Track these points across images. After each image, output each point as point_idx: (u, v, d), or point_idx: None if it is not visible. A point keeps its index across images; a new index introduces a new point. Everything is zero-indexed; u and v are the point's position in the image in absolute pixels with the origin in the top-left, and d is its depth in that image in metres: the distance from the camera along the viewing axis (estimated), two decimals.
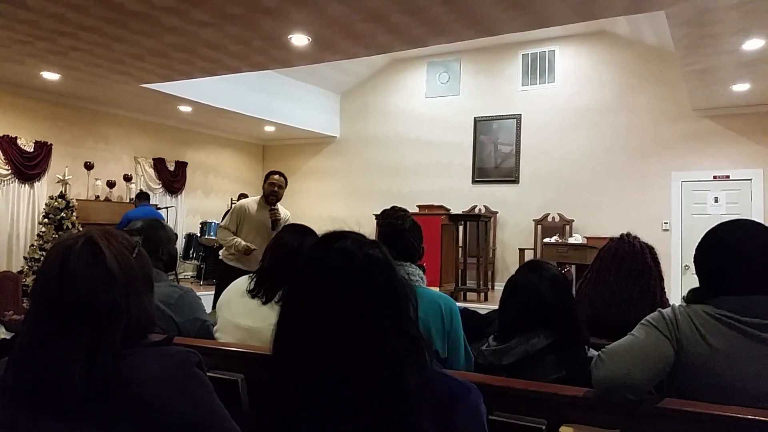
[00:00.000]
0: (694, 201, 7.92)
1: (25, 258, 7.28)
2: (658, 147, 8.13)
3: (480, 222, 7.67)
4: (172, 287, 2.27)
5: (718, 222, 1.59)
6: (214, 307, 2.42)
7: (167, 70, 6.54)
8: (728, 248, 1.51)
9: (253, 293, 2.14)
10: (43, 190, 7.86)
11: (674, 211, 8.01)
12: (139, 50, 5.79)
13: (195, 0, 4.51)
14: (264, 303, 2.09)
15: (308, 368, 0.97)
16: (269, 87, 9.08)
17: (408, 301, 1.03)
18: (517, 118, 9.09)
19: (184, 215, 9.86)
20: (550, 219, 8.69)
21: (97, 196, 8.47)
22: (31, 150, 7.73)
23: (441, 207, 7.84)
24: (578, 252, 6.58)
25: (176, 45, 5.61)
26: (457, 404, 1.00)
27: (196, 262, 9.31)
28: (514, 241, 8.85)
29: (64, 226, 7.18)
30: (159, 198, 9.38)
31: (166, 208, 9.07)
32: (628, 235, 2.23)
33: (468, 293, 7.43)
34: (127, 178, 8.86)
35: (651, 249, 2.19)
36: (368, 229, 7.49)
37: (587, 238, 7.24)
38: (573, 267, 6.59)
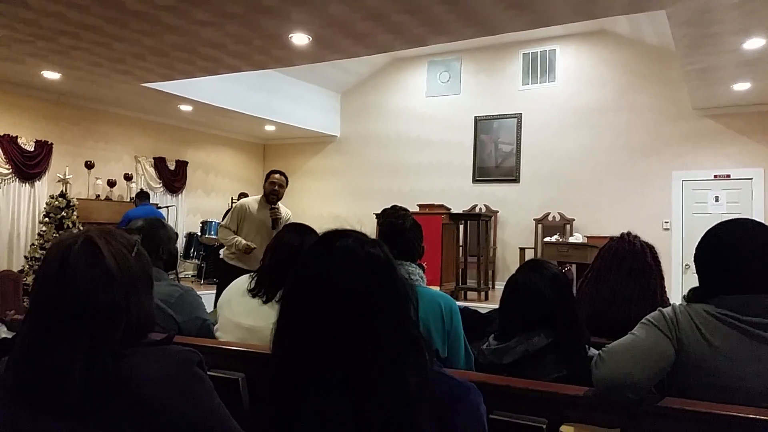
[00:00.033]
0: (694, 200, 7.92)
1: (25, 257, 7.28)
2: (658, 146, 8.13)
3: (480, 221, 7.67)
4: (173, 286, 2.27)
5: (719, 221, 1.59)
6: (215, 306, 2.42)
7: (168, 69, 6.54)
8: (728, 247, 1.51)
9: (253, 292, 2.14)
10: (44, 189, 7.86)
11: (675, 211, 8.01)
12: (139, 49, 5.79)
13: None
14: (265, 302, 2.09)
15: (308, 368, 0.96)
16: (270, 86, 9.08)
17: (409, 301, 1.03)
18: (518, 117, 9.09)
19: (184, 214, 9.86)
20: (550, 218, 8.69)
21: (98, 196, 8.47)
22: (32, 149, 7.73)
23: (441, 206, 7.83)
24: (579, 251, 6.58)
25: (177, 44, 5.61)
26: (457, 404, 1.00)
27: (196, 261, 9.31)
28: (514, 241, 8.85)
29: (65, 226, 7.18)
30: (159, 197, 9.38)
31: (167, 207, 9.07)
32: (629, 234, 2.23)
33: (468, 292, 7.42)
34: (128, 178, 8.86)
35: (651, 248, 2.19)
36: (369, 228, 7.49)
37: (588, 237, 7.24)
38: (573, 266, 6.59)
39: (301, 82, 9.79)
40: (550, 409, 1.46)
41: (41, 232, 7.26)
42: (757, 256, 1.47)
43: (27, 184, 7.77)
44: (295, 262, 1.08)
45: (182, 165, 9.83)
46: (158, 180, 9.41)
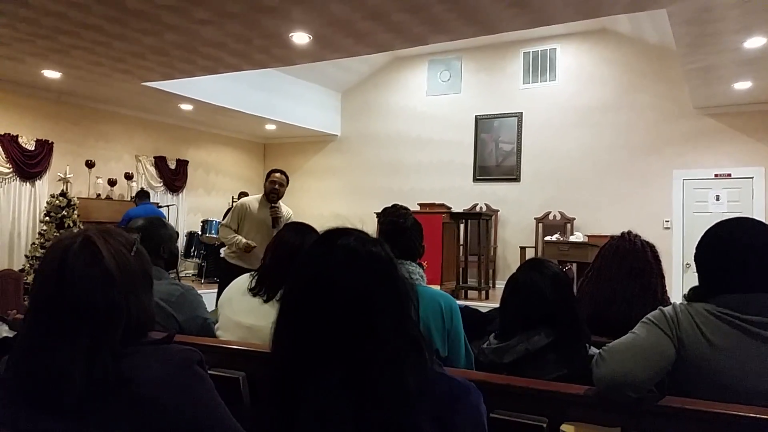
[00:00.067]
0: (695, 199, 7.91)
1: (26, 256, 7.28)
2: (659, 145, 8.12)
3: (481, 220, 7.66)
4: (174, 285, 2.27)
5: (719, 220, 1.59)
6: (216, 305, 2.43)
7: (168, 68, 6.54)
8: (729, 246, 1.51)
9: (254, 291, 2.14)
10: (45, 188, 7.87)
11: (675, 210, 8.00)
12: (139, 48, 5.79)
13: None
14: (265, 301, 2.09)
15: (308, 367, 0.96)
16: (270, 85, 9.08)
17: (409, 301, 1.02)
18: (519, 116, 9.08)
19: (185, 213, 9.86)
20: (551, 217, 8.69)
21: (99, 195, 8.48)
22: (33, 148, 7.73)
23: (442, 205, 7.83)
24: (579, 250, 6.58)
25: (177, 43, 5.61)
26: (457, 404, 0.99)
27: (197, 260, 9.31)
28: (515, 240, 8.84)
29: (66, 225, 7.18)
30: (160, 196, 9.38)
31: (167, 206, 9.08)
32: (629, 233, 2.23)
33: (469, 291, 7.42)
34: (129, 177, 8.86)
35: (652, 247, 2.19)
36: (370, 227, 7.48)
37: (588, 236, 7.23)
38: (574, 265, 6.58)
39: (302, 81, 9.79)
40: (550, 408, 1.46)
41: (42, 231, 7.26)
42: (758, 255, 1.47)
43: (28, 183, 7.77)
44: (295, 261, 1.07)
45: (183, 164, 9.83)
46: (159, 179, 9.41)
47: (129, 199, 8.64)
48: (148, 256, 1.18)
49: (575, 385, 1.50)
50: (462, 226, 7.60)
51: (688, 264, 7.56)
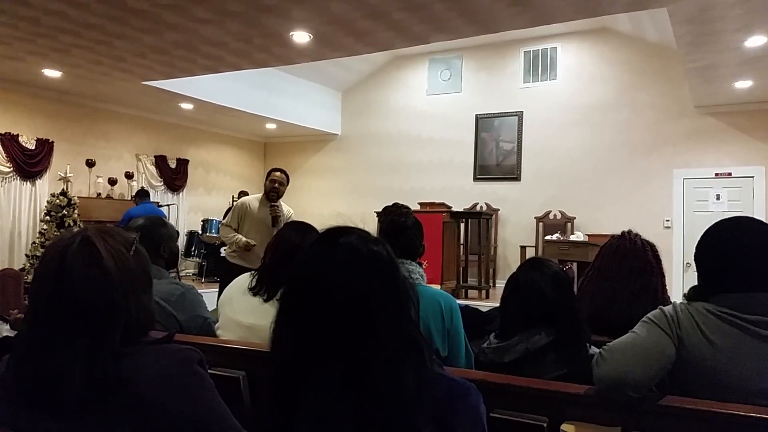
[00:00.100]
0: (695, 198, 7.91)
1: (26, 255, 7.28)
2: (659, 144, 8.12)
3: (481, 219, 7.66)
4: (174, 284, 2.27)
5: (720, 219, 1.59)
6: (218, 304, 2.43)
7: (168, 67, 6.54)
8: (729, 245, 1.51)
9: (254, 291, 2.14)
10: (45, 187, 7.87)
11: (676, 209, 8.00)
12: (140, 47, 5.79)
13: None
14: (265, 300, 2.09)
15: (307, 367, 0.95)
16: (270, 84, 9.08)
17: (409, 301, 1.02)
18: (519, 115, 9.08)
19: (185, 213, 9.86)
20: (551, 216, 8.69)
21: (99, 194, 8.48)
22: (33, 147, 7.73)
23: (442, 204, 7.82)
24: (580, 249, 6.57)
25: (177, 42, 5.61)
26: (457, 405, 0.99)
27: (197, 259, 9.31)
28: (515, 239, 8.84)
29: (66, 224, 7.19)
30: (160, 195, 9.37)
31: (168, 205, 9.08)
32: (630, 232, 2.23)
33: (469, 291, 7.42)
34: (129, 176, 8.86)
35: (652, 246, 2.19)
36: (371, 226, 7.48)
37: (589, 235, 7.23)
38: (574, 264, 6.58)
39: (302, 80, 9.79)
40: (551, 407, 1.46)
41: (42, 231, 7.26)
42: (758, 254, 1.46)
43: (28, 183, 7.77)
44: (295, 260, 1.07)
45: (183, 163, 9.83)
46: (159, 178, 9.41)
47: (129, 198, 8.63)
48: (147, 255, 1.18)
49: (575, 384, 1.50)
50: (462, 226, 7.60)
51: (688, 263, 7.56)
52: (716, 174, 7.80)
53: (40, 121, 7.87)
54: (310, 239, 1.09)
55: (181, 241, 8.97)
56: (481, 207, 9.10)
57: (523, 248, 8.32)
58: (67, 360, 0.98)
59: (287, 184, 4.93)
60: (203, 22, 5.05)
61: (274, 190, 4.79)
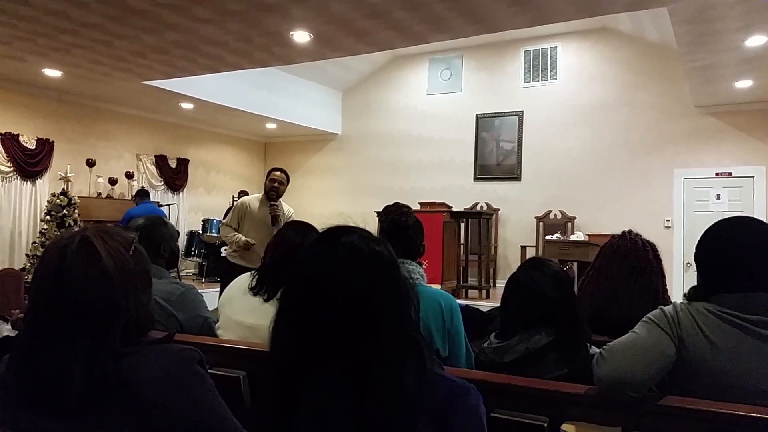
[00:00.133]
0: (696, 198, 7.91)
1: (27, 255, 7.29)
2: (660, 144, 8.11)
3: (482, 219, 7.66)
4: (174, 284, 2.27)
5: (720, 219, 1.59)
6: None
7: (169, 67, 6.54)
8: (729, 245, 1.50)
9: (254, 291, 2.14)
10: (45, 187, 7.87)
11: (676, 209, 8.00)
12: (140, 47, 5.79)
13: None
14: (266, 300, 2.09)
15: (307, 367, 0.95)
16: (271, 84, 9.08)
17: (410, 301, 1.02)
18: (519, 115, 9.07)
19: (185, 212, 9.86)
20: (551, 216, 8.69)
21: (99, 194, 8.48)
22: (33, 147, 7.73)
23: (443, 204, 7.82)
24: (580, 249, 6.57)
25: (178, 42, 5.61)
26: (456, 406, 0.99)
27: (197, 259, 9.31)
28: (515, 239, 8.84)
29: (66, 224, 7.19)
30: (161, 195, 9.38)
31: (168, 205, 9.08)
32: (630, 232, 2.22)
33: (469, 290, 7.42)
34: (129, 176, 8.87)
35: (653, 246, 2.19)
36: (371, 226, 7.48)
37: (589, 235, 7.23)
38: (575, 264, 6.57)
39: (302, 80, 9.79)
40: (551, 407, 1.46)
41: (43, 230, 7.27)
42: (758, 254, 1.46)
43: (28, 182, 7.77)
44: (295, 259, 1.07)
45: (183, 163, 9.83)
46: (159, 178, 9.41)
47: (130, 198, 8.64)
48: (146, 255, 1.18)
49: (576, 384, 1.50)
50: (463, 225, 7.60)
51: (688, 263, 7.55)
52: (717, 174, 7.80)
53: (40, 120, 7.87)
54: (310, 239, 1.09)
55: (182, 241, 8.97)
56: (482, 207, 9.10)
57: (523, 248, 8.32)
58: (67, 360, 0.98)
59: (287, 184, 4.93)
60: (204, 22, 5.05)
61: (273, 190, 4.79)
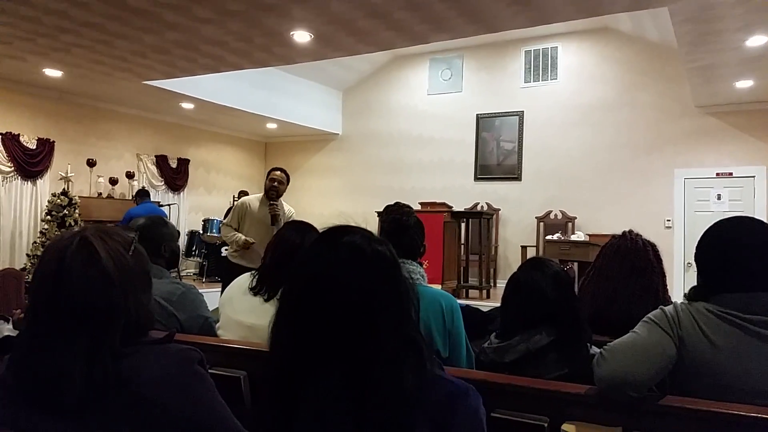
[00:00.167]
0: (696, 198, 7.91)
1: (27, 255, 7.30)
2: (660, 144, 8.11)
3: (482, 219, 7.66)
4: (175, 284, 2.27)
5: (720, 219, 1.59)
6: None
7: (169, 67, 6.54)
8: (729, 245, 1.50)
9: (255, 290, 2.14)
10: (46, 187, 7.87)
11: (677, 209, 7.99)
12: (141, 47, 5.79)
13: None
14: (266, 300, 2.09)
15: (307, 367, 0.95)
16: (271, 84, 9.08)
17: (410, 302, 1.01)
18: (520, 115, 9.07)
19: (186, 212, 9.87)
20: (552, 216, 8.68)
21: (100, 193, 8.48)
22: (34, 147, 7.73)
23: (443, 204, 7.82)
24: (580, 249, 6.56)
25: (178, 42, 5.61)
26: (456, 407, 0.98)
27: (198, 259, 9.31)
28: (516, 239, 8.84)
29: (67, 224, 7.19)
30: (161, 195, 9.38)
31: (168, 205, 9.08)
32: (630, 232, 2.22)
33: (470, 290, 7.42)
34: (130, 175, 8.87)
35: (653, 246, 2.19)
36: (372, 226, 7.48)
37: (590, 235, 7.22)
38: (575, 264, 6.57)
39: (303, 80, 9.79)
40: (551, 407, 1.46)
41: (43, 230, 7.27)
42: (758, 254, 1.46)
43: (29, 182, 7.78)
44: (295, 259, 1.06)
45: (184, 163, 9.83)
46: (160, 178, 9.42)
47: (130, 198, 8.64)
48: (146, 255, 1.18)
49: (576, 384, 1.50)
50: (463, 225, 7.60)
51: (689, 263, 7.55)
52: (717, 174, 7.80)
53: (41, 120, 7.88)
54: (310, 239, 1.09)
55: (182, 241, 8.97)
56: (482, 207, 9.10)
57: (523, 248, 8.32)
58: (67, 360, 0.98)
59: (287, 184, 4.93)
60: (204, 22, 5.05)
61: (273, 189, 4.80)
